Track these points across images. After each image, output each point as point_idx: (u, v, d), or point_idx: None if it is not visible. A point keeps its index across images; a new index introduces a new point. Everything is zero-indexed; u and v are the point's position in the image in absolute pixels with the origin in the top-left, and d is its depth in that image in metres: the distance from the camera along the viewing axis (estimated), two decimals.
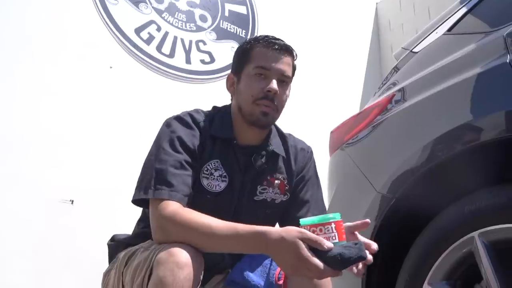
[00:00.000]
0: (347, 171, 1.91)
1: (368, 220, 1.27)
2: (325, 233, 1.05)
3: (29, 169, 2.95)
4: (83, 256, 2.94)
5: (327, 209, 1.95)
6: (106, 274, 1.39)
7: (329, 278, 1.26)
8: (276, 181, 1.47)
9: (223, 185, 1.38)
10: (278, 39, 1.43)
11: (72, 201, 3.07)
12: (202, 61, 4.00)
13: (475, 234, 1.31)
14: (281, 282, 1.29)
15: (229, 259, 1.41)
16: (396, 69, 2.05)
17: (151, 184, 1.24)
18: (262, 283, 1.31)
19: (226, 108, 1.51)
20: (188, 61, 3.92)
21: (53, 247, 2.91)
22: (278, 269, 1.31)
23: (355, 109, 4.42)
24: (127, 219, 1.58)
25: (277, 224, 1.52)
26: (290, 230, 1.05)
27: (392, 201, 1.55)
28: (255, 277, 1.32)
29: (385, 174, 1.62)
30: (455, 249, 1.37)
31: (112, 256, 1.44)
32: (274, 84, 1.37)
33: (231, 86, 1.48)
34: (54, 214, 2.97)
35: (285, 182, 1.49)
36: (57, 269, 2.89)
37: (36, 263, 2.84)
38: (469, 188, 1.40)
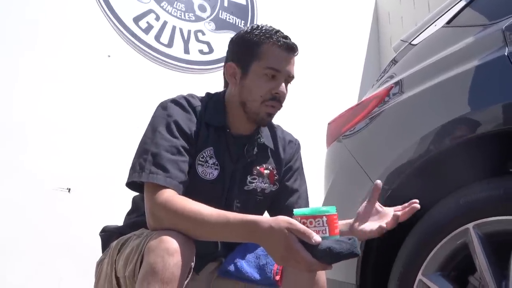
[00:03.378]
0: (344, 163, 1.91)
1: (378, 181, 1.32)
2: (315, 226, 1.03)
3: (26, 157, 2.94)
4: (79, 244, 2.95)
5: (323, 200, 1.97)
6: (99, 264, 1.39)
7: (323, 272, 1.27)
8: (266, 171, 1.47)
9: (215, 173, 1.38)
10: (287, 37, 1.41)
11: (69, 189, 3.07)
12: (201, 51, 3.99)
13: (469, 226, 1.32)
14: (278, 277, 1.29)
15: (223, 249, 1.41)
16: (394, 61, 2.05)
17: (146, 167, 1.24)
18: (257, 275, 1.31)
19: (219, 95, 1.49)
20: (186, 51, 3.91)
21: (49, 235, 2.91)
22: (276, 264, 1.31)
23: (353, 102, 4.41)
24: (123, 208, 1.58)
25: (266, 213, 1.52)
26: (280, 221, 1.04)
27: (388, 192, 1.55)
28: (248, 268, 1.33)
29: (382, 165, 1.63)
30: (449, 240, 1.38)
31: (105, 245, 1.44)
32: (283, 87, 1.38)
33: (232, 76, 1.44)
34: (50, 202, 2.97)
35: (275, 172, 1.49)
36: (52, 257, 2.90)
37: (31, 251, 2.84)
38: (465, 180, 1.41)
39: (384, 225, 1.24)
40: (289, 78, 1.40)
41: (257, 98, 1.37)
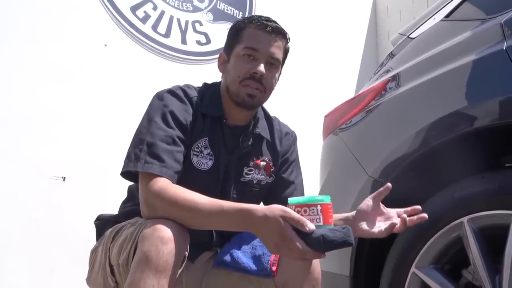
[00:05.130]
0: (340, 155, 1.91)
1: (389, 184, 1.29)
2: (309, 214, 1.04)
3: (21, 145, 2.93)
4: (73, 233, 2.94)
5: (319, 192, 1.97)
6: (94, 251, 1.39)
7: (317, 260, 1.27)
8: (262, 163, 1.47)
9: (210, 163, 1.38)
10: (272, 21, 1.41)
11: (64, 178, 3.06)
12: (198, 42, 3.97)
13: (464, 219, 1.32)
14: (274, 268, 1.29)
15: (219, 239, 1.41)
16: (392, 54, 2.04)
17: (142, 157, 1.23)
18: (253, 266, 1.31)
19: (216, 85, 1.49)
20: (184, 41, 3.89)
21: (43, 223, 2.90)
22: (273, 256, 1.31)
23: (350, 95, 4.42)
24: (118, 197, 1.58)
25: (261, 204, 1.52)
26: (274, 209, 1.05)
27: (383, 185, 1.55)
28: (244, 258, 1.33)
29: (377, 158, 1.63)
30: (444, 234, 1.38)
31: (100, 234, 1.44)
32: (261, 67, 1.36)
33: (222, 64, 1.47)
34: (45, 191, 2.96)
35: (271, 164, 1.49)
36: (46, 245, 2.89)
37: (25, 239, 2.83)
38: (460, 174, 1.41)
39: (394, 229, 1.22)
40: (271, 59, 1.39)
41: (235, 78, 1.37)
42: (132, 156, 1.26)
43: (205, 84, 1.51)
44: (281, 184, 1.51)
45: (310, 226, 1.01)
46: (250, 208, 1.08)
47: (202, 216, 1.14)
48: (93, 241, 1.46)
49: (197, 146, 1.37)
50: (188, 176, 1.31)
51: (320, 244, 1.00)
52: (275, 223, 1.02)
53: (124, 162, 1.29)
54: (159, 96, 1.38)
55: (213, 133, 1.40)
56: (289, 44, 1.47)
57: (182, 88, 1.41)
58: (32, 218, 2.87)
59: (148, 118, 1.33)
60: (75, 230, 2.93)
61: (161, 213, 1.15)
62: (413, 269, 1.43)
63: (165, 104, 1.34)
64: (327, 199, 1.07)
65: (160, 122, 1.30)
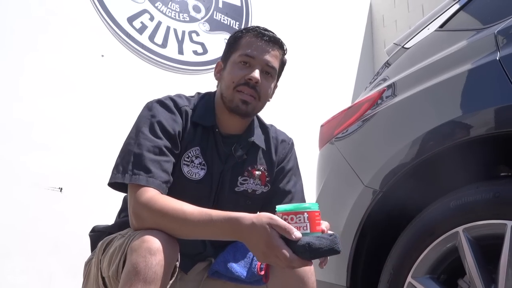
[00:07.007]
0: (336, 165, 1.91)
1: None
2: (296, 222, 1.04)
3: (18, 156, 2.93)
4: (70, 242, 2.94)
5: (315, 202, 1.96)
6: (88, 263, 1.39)
7: (312, 270, 1.27)
8: (257, 172, 1.46)
9: (202, 173, 1.37)
10: (269, 31, 1.42)
11: (61, 188, 3.06)
12: (195, 52, 3.99)
13: (459, 229, 1.32)
14: (262, 272, 1.29)
15: (212, 249, 1.41)
16: (387, 64, 2.05)
17: (129, 168, 1.23)
18: (246, 274, 1.31)
19: (210, 95, 1.50)
20: (180, 51, 3.91)
21: (42, 234, 2.90)
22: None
23: (347, 104, 4.43)
24: (114, 207, 1.57)
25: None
26: (262, 216, 1.05)
27: (379, 195, 1.56)
28: (238, 268, 1.33)
29: (373, 168, 1.63)
30: (439, 243, 1.38)
31: (94, 245, 1.43)
32: (256, 73, 1.36)
33: (218, 72, 1.48)
34: (42, 201, 2.96)
35: (266, 174, 1.48)
36: (45, 254, 2.89)
37: (23, 248, 2.83)
38: (456, 184, 1.41)
39: None
40: (267, 67, 1.39)
41: (230, 84, 1.38)
42: (120, 167, 1.26)
43: (198, 94, 1.51)
44: (278, 194, 1.50)
45: (296, 234, 1.01)
46: (238, 217, 1.08)
47: (190, 226, 1.13)
48: (89, 250, 1.46)
49: (187, 156, 1.36)
50: (180, 187, 1.31)
51: (306, 252, 1.00)
52: (262, 230, 1.02)
53: (112, 173, 1.28)
54: (148, 107, 1.38)
55: (206, 142, 1.40)
56: (286, 57, 1.47)
57: (171, 98, 1.41)
58: (29, 227, 2.87)
59: (136, 129, 1.33)
60: (72, 239, 2.93)
61: (149, 224, 1.15)
62: (409, 279, 1.43)
63: (153, 114, 1.34)
64: (314, 207, 1.07)
65: (147, 133, 1.30)
